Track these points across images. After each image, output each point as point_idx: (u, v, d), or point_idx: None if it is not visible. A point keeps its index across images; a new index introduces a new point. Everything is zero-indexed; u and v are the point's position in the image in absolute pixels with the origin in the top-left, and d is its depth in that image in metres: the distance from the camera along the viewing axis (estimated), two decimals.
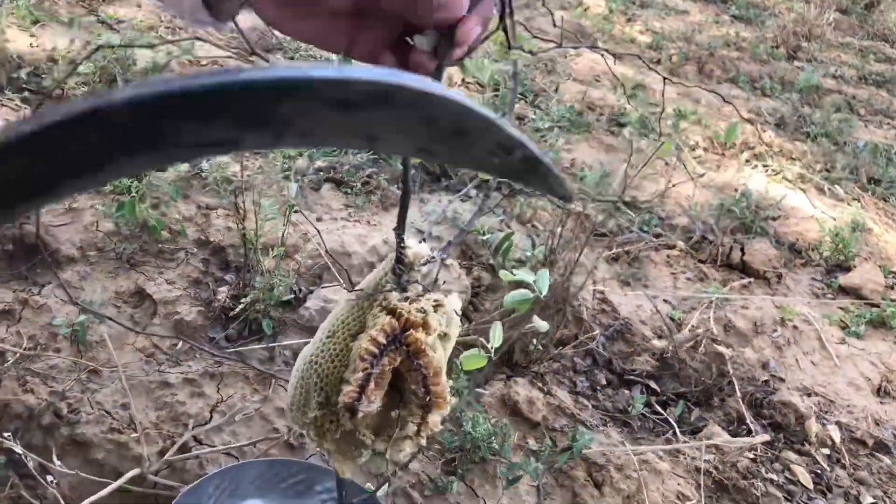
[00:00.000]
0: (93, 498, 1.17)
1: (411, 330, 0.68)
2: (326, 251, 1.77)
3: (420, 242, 0.79)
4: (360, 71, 0.24)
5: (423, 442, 0.77)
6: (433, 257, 0.79)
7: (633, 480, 1.47)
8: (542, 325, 1.22)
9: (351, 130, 0.28)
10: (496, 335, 1.12)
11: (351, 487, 1.22)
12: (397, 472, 1.37)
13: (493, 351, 1.11)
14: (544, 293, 1.25)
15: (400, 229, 0.74)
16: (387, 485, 1.12)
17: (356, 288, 0.76)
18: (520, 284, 1.26)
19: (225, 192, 1.77)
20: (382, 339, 0.70)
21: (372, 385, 0.70)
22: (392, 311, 0.70)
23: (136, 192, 1.78)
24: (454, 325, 0.74)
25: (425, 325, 0.70)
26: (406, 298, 0.72)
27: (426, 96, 0.26)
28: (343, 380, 0.70)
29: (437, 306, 0.72)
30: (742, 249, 2.33)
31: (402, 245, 0.75)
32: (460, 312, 0.76)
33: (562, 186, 0.37)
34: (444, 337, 0.73)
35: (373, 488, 1.25)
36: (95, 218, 1.79)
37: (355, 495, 1.21)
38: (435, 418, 0.74)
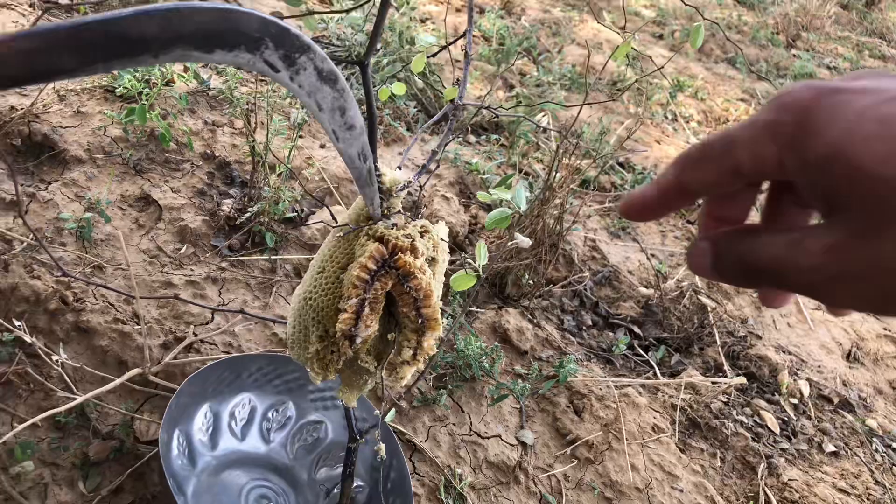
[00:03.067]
0: (96, 391, 1.20)
1: (400, 254, 0.71)
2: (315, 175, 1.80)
3: (397, 169, 0.83)
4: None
5: (421, 366, 0.82)
6: (410, 182, 0.82)
7: (612, 410, 1.53)
8: (524, 241, 1.27)
9: None
10: (481, 253, 1.17)
11: (361, 405, 1.27)
12: (402, 397, 1.43)
13: (480, 269, 1.15)
14: (523, 208, 1.29)
15: (373, 157, 0.78)
16: (393, 410, 1.17)
17: (339, 223, 0.80)
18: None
19: (234, 108, 1.79)
20: (372, 265, 0.73)
21: (367, 310, 0.73)
22: (379, 239, 0.74)
23: (147, 99, 1.79)
24: (442, 251, 0.77)
25: (413, 250, 0.74)
26: (393, 226, 0.76)
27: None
28: (338, 310, 0.74)
29: (424, 232, 0.75)
30: None
31: (377, 173, 0.78)
32: (447, 239, 0.79)
33: None
34: (432, 262, 0.76)
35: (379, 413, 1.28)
36: (104, 123, 1.81)
37: (364, 415, 1.26)
38: (430, 341, 0.78)
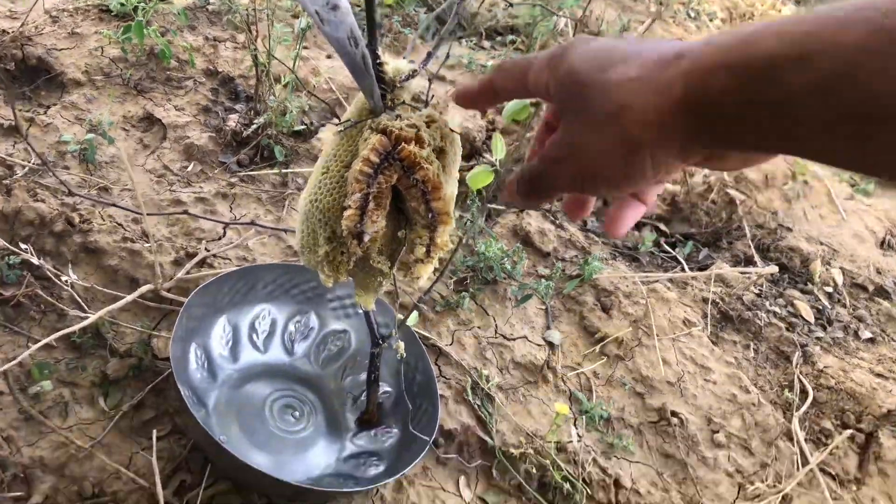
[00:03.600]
0: (108, 308, 1.18)
1: (403, 144, 0.66)
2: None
3: (401, 59, 0.76)
4: None
5: (436, 263, 0.76)
6: (414, 71, 0.76)
7: (641, 306, 1.49)
8: None
9: None
10: (498, 147, 1.11)
11: (383, 310, 1.23)
12: (422, 300, 1.38)
13: (497, 164, 1.09)
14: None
15: (371, 43, 0.71)
16: (415, 313, 1.12)
17: (343, 119, 0.74)
18: None
19: (233, 15, 1.71)
20: (375, 158, 0.67)
21: (371, 205, 0.68)
22: (382, 131, 0.68)
23: (143, 16, 1.72)
24: (452, 141, 0.71)
25: (418, 140, 0.68)
26: (397, 118, 0.69)
27: None
28: (344, 208, 0.69)
29: (430, 122, 0.70)
30: None
31: (378, 62, 0.71)
32: (458, 129, 0.73)
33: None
34: (441, 153, 0.70)
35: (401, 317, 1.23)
36: (100, 43, 1.74)
37: (387, 321, 1.22)
38: (443, 237, 0.72)
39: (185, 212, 1.40)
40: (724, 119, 0.37)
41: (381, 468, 1.11)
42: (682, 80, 0.38)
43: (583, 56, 0.44)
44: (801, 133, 0.35)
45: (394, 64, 0.74)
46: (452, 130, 0.72)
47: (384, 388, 1.22)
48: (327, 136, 0.77)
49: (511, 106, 1.47)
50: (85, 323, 1.13)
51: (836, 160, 0.36)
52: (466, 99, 0.56)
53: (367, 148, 0.69)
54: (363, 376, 1.24)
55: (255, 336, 1.25)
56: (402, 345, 1.05)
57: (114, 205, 1.28)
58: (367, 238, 0.71)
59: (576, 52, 0.44)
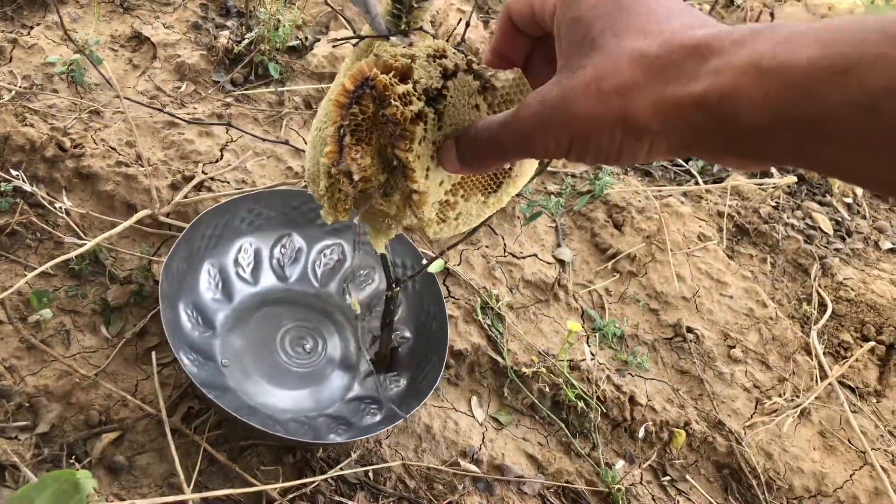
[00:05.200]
0: (106, 234, 1.13)
1: (378, 73, 0.56)
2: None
3: None
4: None
5: (457, 225, 0.67)
6: None
7: (654, 221, 1.44)
8: None
9: None
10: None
11: (408, 249, 1.17)
12: (447, 250, 1.33)
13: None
14: None
15: None
16: (440, 261, 1.06)
17: (345, 37, 0.66)
18: None
19: None
20: (350, 86, 0.59)
21: (348, 139, 0.60)
22: (377, 57, 0.60)
23: None
24: (503, 97, 0.55)
25: (407, 72, 0.59)
26: (410, 45, 0.60)
27: None
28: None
29: (439, 56, 0.58)
30: (772, 14, 2.19)
31: None
32: (507, 81, 0.55)
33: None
34: (438, 96, 0.57)
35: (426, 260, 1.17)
36: None
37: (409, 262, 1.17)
38: (420, 193, 0.63)
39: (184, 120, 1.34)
40: (746, 129, 0.33)
41: (378, 417, 1.06)
42: (707, 78, 0.34)
43: (602, 8, 0.39)
44: (831, 152, 0.31)
45: None
46: (484, 77, 0.57)
47: (405, 333, 1.18)
48: (345, 64, 0.69)
49: None
50: (82, 250, 1.09)
51: (869, 182, 0.32)
52: (496, 56, 0.50)
53: (347, 75, 0.61)
54: (367, 289, 1.20)
55: (241, 271, 1.19)
56: (356, 299, 0.98)
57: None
58: (356, 177, 0.62)
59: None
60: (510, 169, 0.56)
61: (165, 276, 1.03)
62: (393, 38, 0.62)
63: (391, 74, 0.58)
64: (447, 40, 1.66)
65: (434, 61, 0.57)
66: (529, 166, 0.58)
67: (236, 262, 1.19)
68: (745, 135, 0.33)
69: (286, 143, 1.40)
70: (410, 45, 0.61)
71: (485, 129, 0.46)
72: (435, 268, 1.03)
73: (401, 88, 0.56)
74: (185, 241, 1.09)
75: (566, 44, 0.40)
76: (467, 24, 0.85)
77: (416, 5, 0.66)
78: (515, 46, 0.50)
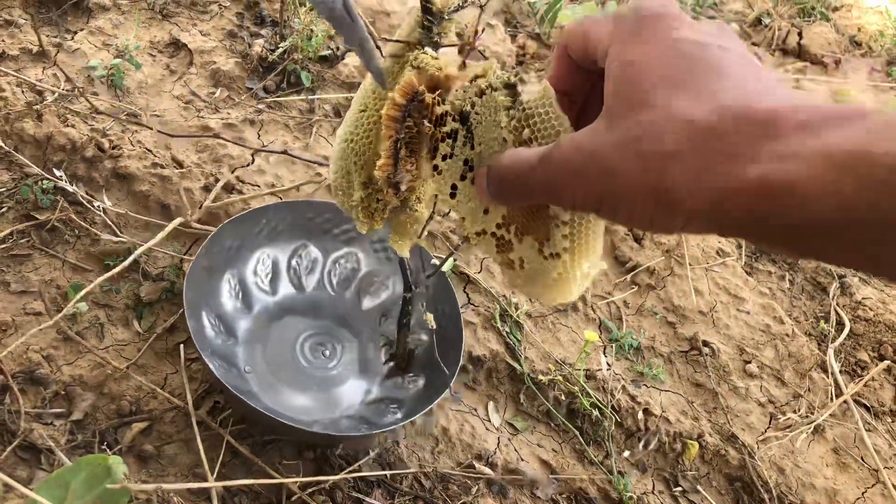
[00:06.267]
0: (145, 246, 1.17)
1: (425, 89, 0.57)
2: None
3: None
4: None
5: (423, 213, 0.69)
6: (465, 1, 0.70)
7: (674, 236, 1.46)
8: None
9: None
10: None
11: (423, 255, 1.20)
12: (460, 246, 1.36)
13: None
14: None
15: None
16: (452, 258, 1.08)
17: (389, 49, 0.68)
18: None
19: None
20: (401, 100, 0.61)
21: (404, 152, 0.62)
22: (419, 69, 0.62)
23: None
24: (542, 131, 0.51)
25: (446, 84, 0.61)
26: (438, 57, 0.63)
27: None
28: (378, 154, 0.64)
29: (477, 76, 0.57)
30: (800, 33, 2.21)
31: None
32: (552, 108, 0.49)
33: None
34: (469, 114, 0.57)
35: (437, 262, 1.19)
36: None
37: (425, 263, 1.19)
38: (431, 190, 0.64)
39: (216, 135, 1.39)
40: (808, 225, 0.29)
41: (398, 415, 1.08)
42: (766, 162, 0.30)
43: (658, 55, 0.35)
44: None
45: None
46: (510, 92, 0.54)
47: (421, 336, 1.20)
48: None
49: (576, 9, 1.36)
50: (128, 261, 1.14)
51: None
52: (555, 81, 0.46)
53: (396, 88, 0.63)
54: (383, 296, 1.23)
55: (259, 282, 1.21)
56: (430, 316, 1.01)
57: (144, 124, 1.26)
58: (403, 188, 0.65)
59: (652, 39, 0.36)
60: (563, 223, 0.50)
61: (188, 285, 1.06)
62: (428, 49, 0.65)
63: (437, 93, 0.61)
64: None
65: (473, 81, 0.57)
66: (593, 239, 0.51)
67: (255, 272, 1.22)
68: (806, 231, 0.30)
69: (320, 163, 1.44)
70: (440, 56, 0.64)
71: (512, 165, 0.43)
72: (447, 266, 1.05)
73: (439, 110, 0.58)
74: (206, 251, 1.13)
75: (615, 87, 0.36)
76: (477, 31, 0.87)
77: (446, 17, 0.69)
78: (573, 80, 0.45)
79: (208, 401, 1.09)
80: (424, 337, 1.20)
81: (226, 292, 1.18)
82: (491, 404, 1.21)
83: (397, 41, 0.65)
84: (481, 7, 0.78)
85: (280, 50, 1.56)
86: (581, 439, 1.19)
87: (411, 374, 1.17)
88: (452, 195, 0.60)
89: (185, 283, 1.06)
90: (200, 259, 1.11)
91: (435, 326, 0.99)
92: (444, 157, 0.60)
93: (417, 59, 0.63)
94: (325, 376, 1.16)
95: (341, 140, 0.69)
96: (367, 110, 0.68)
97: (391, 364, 1.17)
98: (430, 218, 0.70)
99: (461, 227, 0.63)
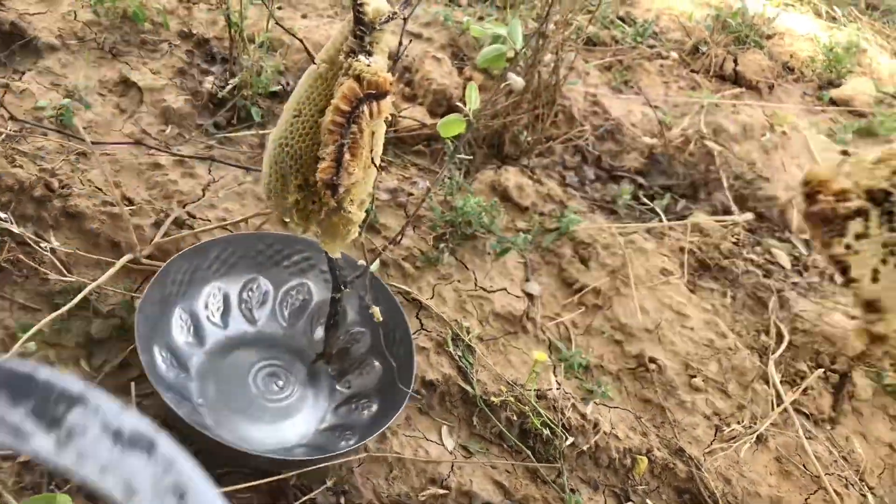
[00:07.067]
0: (94, 284, 1.18)
1: (391, 88, 0.64)
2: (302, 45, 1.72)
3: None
4: None
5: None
6: (394, 13, 0.74)
7: (619, 257, 1.51)
8: (517, 80, 1.21)
9: None
10: (472, 97, 1.11)
11: (346, 261, 1.23)
12: (389, 247, 1.40)
13: (470, 113, 1.09)
14: (519, 44, 1.21)
15: None
16: (378, 260, 1.13)
17: (318, 59, 0.72)
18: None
19: None
20: (346, 106, 0.65)
21: (347, 156, 0.66)
22: (356, 77, 0.66)
23: None
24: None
25: (384, 87, 0.66)
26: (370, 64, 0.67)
27: None
28: (318, 158, 0.67)
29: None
30: (735, 60, 2.30)
31: (359, 2, 0.70)
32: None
33: None
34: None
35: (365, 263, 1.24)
36: (73, 7, 1.73)
37: (350, 270, 1.22)
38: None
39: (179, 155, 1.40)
40: None
41: (352, 442, 1.10)
42: None
43: None
44: None
45: (375, 4, 0.72)
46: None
47: (356, 328, 1.23)
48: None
49: (487, 51, 1.46)
50: (76, 299, 1.14)
51: None
52: None
53: (338, 96, 0.66)
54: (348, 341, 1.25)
55: (210, 316, 1.23)
56: (377, 310, 1.04)
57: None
58: (341, 190, 0.69)
59: None
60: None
61: (140, 320, 1.07)
62: (361, 57, 0.68)
63: (380, 103, 0.65)
64: (394, 65, 1.74)
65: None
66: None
67: (206, 306, 1.23)
68: None
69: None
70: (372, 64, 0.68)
71: None
72: (375, 267, 1.10)
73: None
74: (156, 285, 1.13)
75: None
76: (401, 43, 0.90)
77: (377, 28, 0.72)
78: None
79: None
80: (362, 328, 1.22)
81: (177, 327, 1.19)
82: (444, 428, 1.22)
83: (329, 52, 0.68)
84: (404, 20, 0.82)
85: (230, 86, 1.58)
86: (534, 458, 1.21)
87: (365, 401, 1.18)
88: (875, 280, 0.58)
89: (136, 318, 1.07)
90: (151, 294, 1.12)
91: (381, 319, 1.03)
92: (856, 237, 0.58)
93: (353, 67, 0.66)
94: (278, 407, 1.16)
95: (275, 144, 0.72)
96: (300, 115, 0.71)
97: (319, 357, 1.18)
98: (366, 220, 0.73)
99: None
